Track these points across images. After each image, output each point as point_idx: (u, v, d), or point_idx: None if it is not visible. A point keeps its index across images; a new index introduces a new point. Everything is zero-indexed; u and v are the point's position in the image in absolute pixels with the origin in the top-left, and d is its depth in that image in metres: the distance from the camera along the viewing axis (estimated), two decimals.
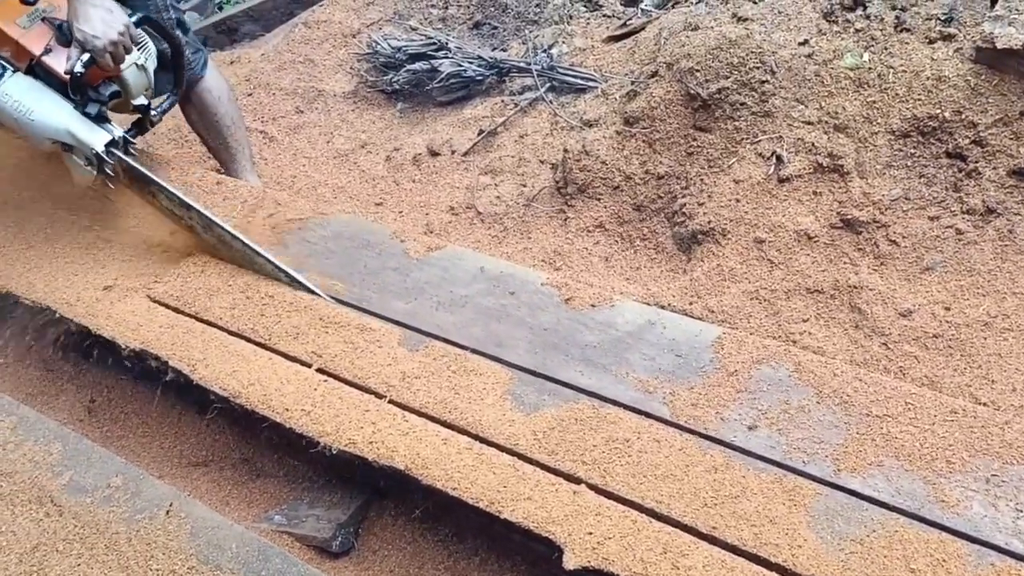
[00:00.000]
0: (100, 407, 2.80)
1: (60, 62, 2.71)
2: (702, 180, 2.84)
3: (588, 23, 3.84)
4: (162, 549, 2.01)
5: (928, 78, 2.62)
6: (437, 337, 2.45)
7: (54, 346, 2.92)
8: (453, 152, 3.48)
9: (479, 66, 3.71)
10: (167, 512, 2.08)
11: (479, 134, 3.50)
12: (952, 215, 2.52)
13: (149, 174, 2.82)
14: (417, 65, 3.79)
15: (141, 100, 2.94)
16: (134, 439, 2.70)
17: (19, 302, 2.75)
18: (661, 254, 2.87)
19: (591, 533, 1.88)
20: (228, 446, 2.61)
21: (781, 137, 2.76)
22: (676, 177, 2.91)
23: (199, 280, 2.70)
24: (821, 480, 1.96)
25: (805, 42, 2.85)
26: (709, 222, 2.74)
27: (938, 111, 2.58)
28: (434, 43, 3.85)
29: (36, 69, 2.77)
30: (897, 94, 2.65)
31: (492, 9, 4.11)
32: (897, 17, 2.78)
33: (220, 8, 6.49)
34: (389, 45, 3.89)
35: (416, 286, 2.61)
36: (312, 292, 2.64)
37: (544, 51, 3.72)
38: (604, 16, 3.85)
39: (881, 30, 2.78)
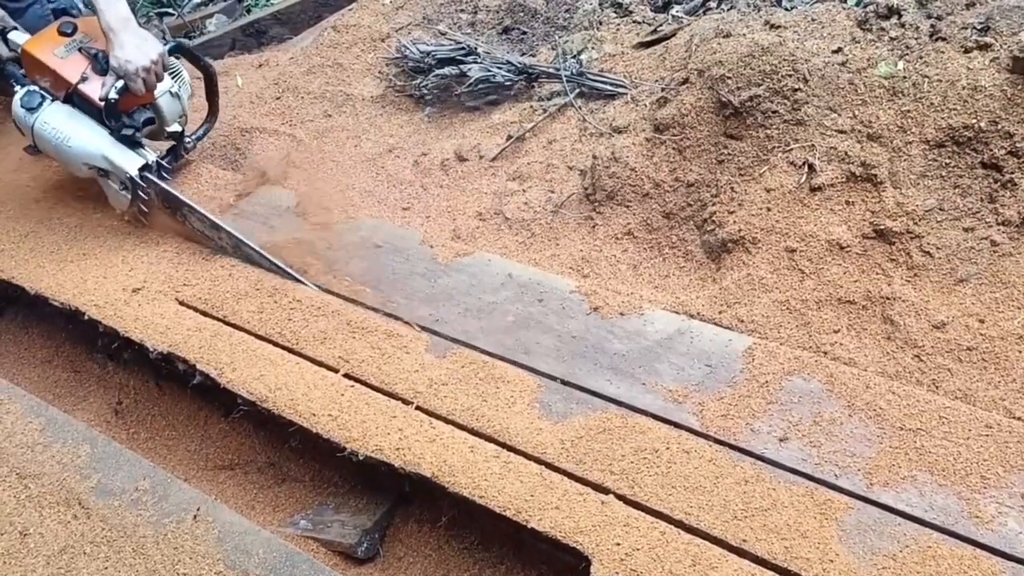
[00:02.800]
0: (127, 409, 2.81)
1: (95, 89, 2.81)
2: (732, 188, 2.82)
3: (618, 29, 3.82)
4: (189, 553, 2.01)
5: (964, 88, 2.59)
6: (465, 344, 2.45)
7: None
8: (481, 157, 3.47)
9: (508, 71, 3.70)
10: (194, 516, 2.08)
11: (507, 139, 3.48)
12: (987, 226, 2.49)
13: (181, 196, 2.89)
14: (446, 70, 3.77)
15: (175, 127, 3.04)
16: (160, 441, 2.71)
17: (49, 303, 2.76)
18: (690, 262, 2.85)
19: (619, 544, 1.87)
20: (254, 450, 2.61)
21: (813, 146, 2.73)
22: (706, 185, 2.89)
23: (227, 284, 2.71)
24: (853, 494, 1.94)
25: (839, 50, 2.82)
26: (739, 230, 2.72)
27: (974, 121, 2.55)
28: (463, 48, 3.84)
29: (73, 97, 2.87)
30: (932, 103, 2.62)
31: (521, 14, 4.09)
32: (932, 26, 2.75)
33: (248, 11, 6.52)
34: (418, 50, 3.88)
35: (443, 292, 2.60)
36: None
37: (573, 57, 3.70)
38: (634, 22, 3.83)
39: (916, 39, 2.75)
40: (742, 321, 2.53)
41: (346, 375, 2.38)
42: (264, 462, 2.58)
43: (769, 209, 2.71)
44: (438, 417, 2.23)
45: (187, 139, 3.14)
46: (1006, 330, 2.33)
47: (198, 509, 2.11)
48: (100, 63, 2.82)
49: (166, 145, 3.13)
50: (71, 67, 2.86)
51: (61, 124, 2.85)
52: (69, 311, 2.72)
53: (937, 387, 2.29)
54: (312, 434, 2.24)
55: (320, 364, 2.43)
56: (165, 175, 2.96)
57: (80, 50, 2.87)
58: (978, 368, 2.29)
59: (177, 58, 3.00)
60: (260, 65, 4.66)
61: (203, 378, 2.44)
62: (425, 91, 3.82)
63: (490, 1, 4.19)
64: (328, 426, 2.22)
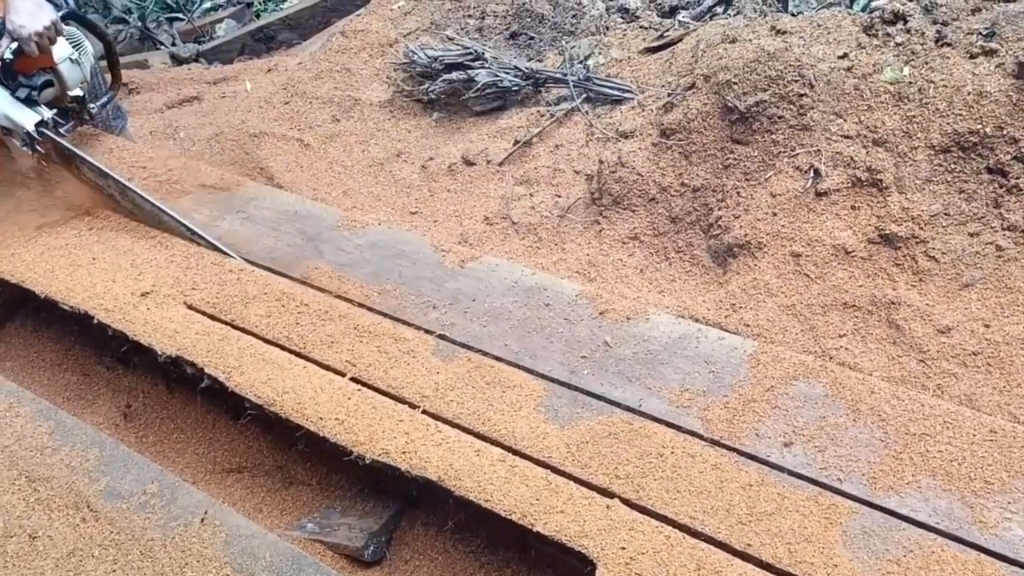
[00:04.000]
0: (136, 412, 2.82)
1: None
2: (738, 193, 2.83)
3: (625, 34, 3.83)
4: (196, 557, 2.02)
5: (969, 93, 2.59)
6: (471, 348, 2.45)
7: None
8: (488, 162, 3.48)
9: (515, 76, 3.71)
10: (202, 520, 2.09)
11: (514, 144, 3.50)
12: (992, 231, 2.49)
13: (73, 148, 3.08)
14: (453, 75, 3.79)
15: (77, 92, 3.21)
16: (169, 444, 2.72)
17: (58, 306, 2.78)
18: (696, 267, 2.85)
19: (624, 548, 1.87)
20: (261, 453, 2.62)
21: (819, 151, 2.74)
22: (712, 190, 2.90)
23: (235, 288, 2.72)
24: (857, 499, 1.94)
25: (844, 55, 2.83)
26: (745, 235, 2.73)
27: (979, 126, 2.55)
28: (470, 53, 3.86)
29: None
30: (937, 109, 2.62)
31: (528, 20, 4.11)
32: (938, 31, 2.76)
33: (257, 16, 6.55)
34: (426, 55, 3.89)
35: (450, 296, 2.61)
36: (226, 254, 2.87)
37: (580, 62, 3.71)
38: (641, 28, 3.84)
39: (922, 44, 2.75)
40: (748, 325, 2.54)
41: (353, 379, 2.39)
42: (271, 465, 2.59)
43: (775, 214, 2.72)
44: (444, 421, 2.24)
45: (91, 105, 3.28)
46: (1011, 335, 2.33)
47: (205, 512, 2.11)
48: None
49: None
50: None
51: None
52: (78, 315, 2.73)
53: (942, 392, 2.29)
54: (319, 438, 2.24)
55: (327, 368, 2.44)
56: (61, 131, 3.10)
57: None
58: (983, 373, 2.29)
59: (68, 24, 3.14)
60: (269, 70, 4.69)
61: (211, 382, 2.45)
62: (433, 96, 3.84)
63: (498, 7, 4.20)
64: (335, 430, 2.22)
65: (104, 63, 3.45)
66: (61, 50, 3.09)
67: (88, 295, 2.74)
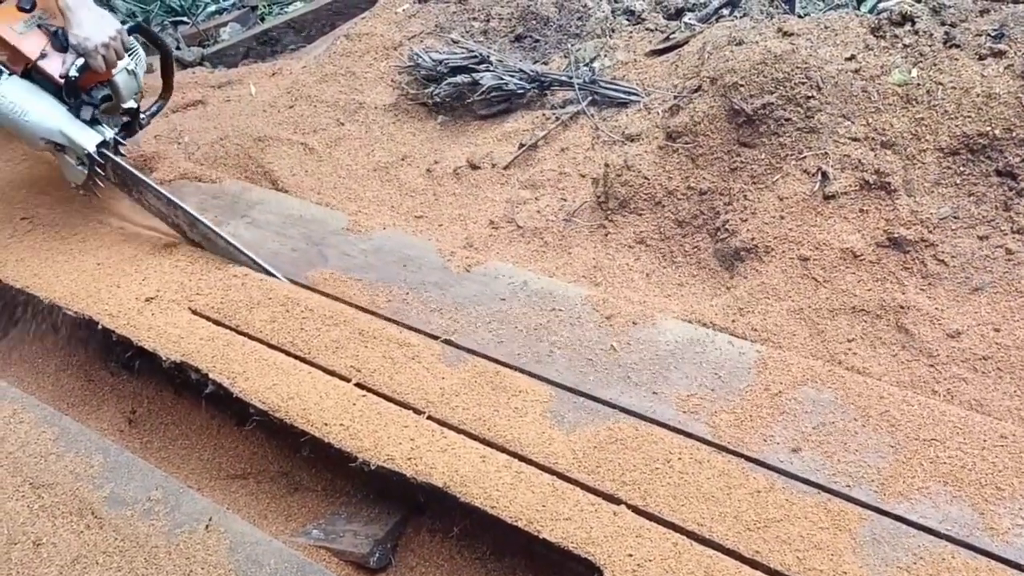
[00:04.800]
0: (140, 418, 2.81)
1: (55, 66, 2.88)
2: (746, 196, 2.81)
3: (631, 37, 3.81)
4: (201, 564, 2.01)
5: (978, 95, 2.57)
6: (476, 353, 2.44)
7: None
8: (494, 165, 3.47)
9: (520, 79, 3.70)
10: (206, 526, 2.09)
11: (520, 148, 3.48)
12: (1002, 235, 2.47)
13: (138, 174, 2.99)
14: (458, 78, 3.78)
15: (131, 104, 3.13)
16: (174, 450, 2.71)
17: (63, 312, 2.78)
18: (703, 271, 2.84)
19: (631, 555, 1.86)
20: (267, 459, 2.61)
21: (827, 153, 2.72)
22: (719, 193, 2.88)
23: (240, 293, 2.71)
24: (867, 505, 1.92)
25: (852, 57, 2.82)
26: (752, 239, 2.71)
27: (988, 129, 2.53)
28: (475, 56, 3.84)
29: (32, 73, 2.95)
30: (946, 111, 2.60)
31: (534, 22, 4.09)
32: (946, 33, 2.74)
33: (262, 19, 6.55)
34: (430, 58, 3.88)
35: (456, 301, 2.60)
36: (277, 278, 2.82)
37: (586, 64, 3.70)
38: (647, 30, 3.83)
39: (930, 46, 2.73)
40: (755, 330, 2.52)
41: (358, 384, 2.38)
42: (276, 471, 2.58)
43: (782, 217, 2.70)
44: (450, 427, 2.23)
45: (142, 115, 3.22)
46: (1021, 339, 2.31)
47: (210, 519, 2.11)
48: (59, 40, 2.88)
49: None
50: (30, 43, 2.92)
51: (19, 98, 2.90)
52: (83, 320, 2.73)
53: (952, 397, 2.27)
54: (324, 444, 2.24)
55: (332, 373, 2.43)
56: (121, 151, 3.05)
57: (39, 27, 2.94)
58: (993, 378, 2.27)
59: (136, 38, 3.08)
60: (273, 73, 4.68)
61: (216, 387, 2.45)
62: (438, 99, 3.82)
63: (502, 9, 4.19)
64: (340, 436, 2.22)
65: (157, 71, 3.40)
66: (119, 61, 2.99)
67: (92, 300, 2.74)
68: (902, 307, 2.45)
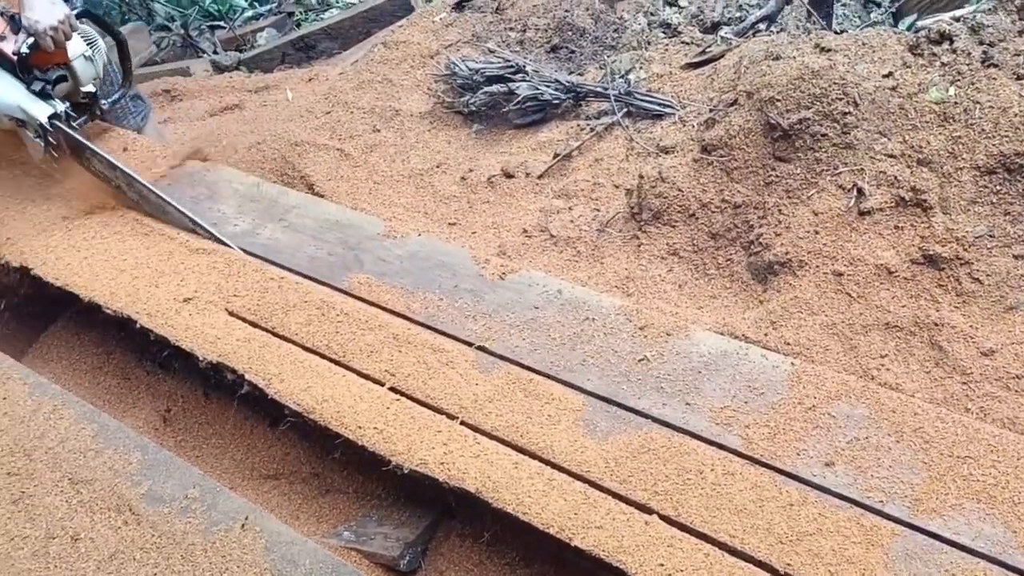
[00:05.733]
0: (175, 417, 2.85)
1: (10, 46, 3.12)
2: (780, 210, 2.82)
3: (666, 49, 3.83)
4: (237, 562, 2.03)
5: (1016, 115, 2.57)
6: (510, 360, 2.45)
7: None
8: (528, 175, 3.49)
9: (556, 90, 3.73)
10: (242, 525, 2.11)
11: (554, 157, 3.51)
12: None
13: (84, 140, 3.20)
14: (494, 87, 3.81)
15: (89, 87, 3.36)
16: (207, 449, 2.74)
17: (101, 310, 2.81)
18: (736, 283, 2.84)
19: (663, 564, 1.87)
20: (299, 460, 2.63)
21: (863, 169, 2.73)
22: (753, 207, 2.89)
23: (276, 295, 2.74)
24: (900, 520, 1.92)
25: (889, 74, 2.82)
26: (787, 253, 2.72)
27: None
28: (511, 66, 3.87)
29: None
30: (983, 130, 2.60)
31: (570, 33, 4.12)
32: (984, 52, 2.74)
33: (298, 25, 6.61)
34: (467, 67, 3.91)
35: (490, 308, 2.62)
36: (225, 244, 3.00)
37: (621, 76, 3.72)
38: (683, 43, 3.84)
39: (968, 65, 2.74)
40: (788, 344, 2.53)
41: (392, 388, 2.40)
42: (308, 473, 2.60)
43: (817, 232, 2.71)
44: (483, 433, 2.24)
45: (102, 101, 3.43)
46: None
47: (246, 518, 2.13)
48: (16, 23, 3.11)
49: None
50: None
51: None
52: (121, 319, 2.76)
53: (985, 414, 2.27)
54: (357, 446, 2.25)
55: (366, 377, 2.45)
56: (74, 125, 3.22)
57: (1, 14, 3.16)
58: None
59: (82, 22, 3.26)
60: (310, 79, 4.73)
61: (251, 388, 2.47)
62: (473, 108, 3.86)
63: (539, 20, 4.22)
64: (374, 439, 2.23)
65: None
66: (75, 47, 3.22)
67: (131, 300, 2.77)
68: (936, 324, 2.45)
